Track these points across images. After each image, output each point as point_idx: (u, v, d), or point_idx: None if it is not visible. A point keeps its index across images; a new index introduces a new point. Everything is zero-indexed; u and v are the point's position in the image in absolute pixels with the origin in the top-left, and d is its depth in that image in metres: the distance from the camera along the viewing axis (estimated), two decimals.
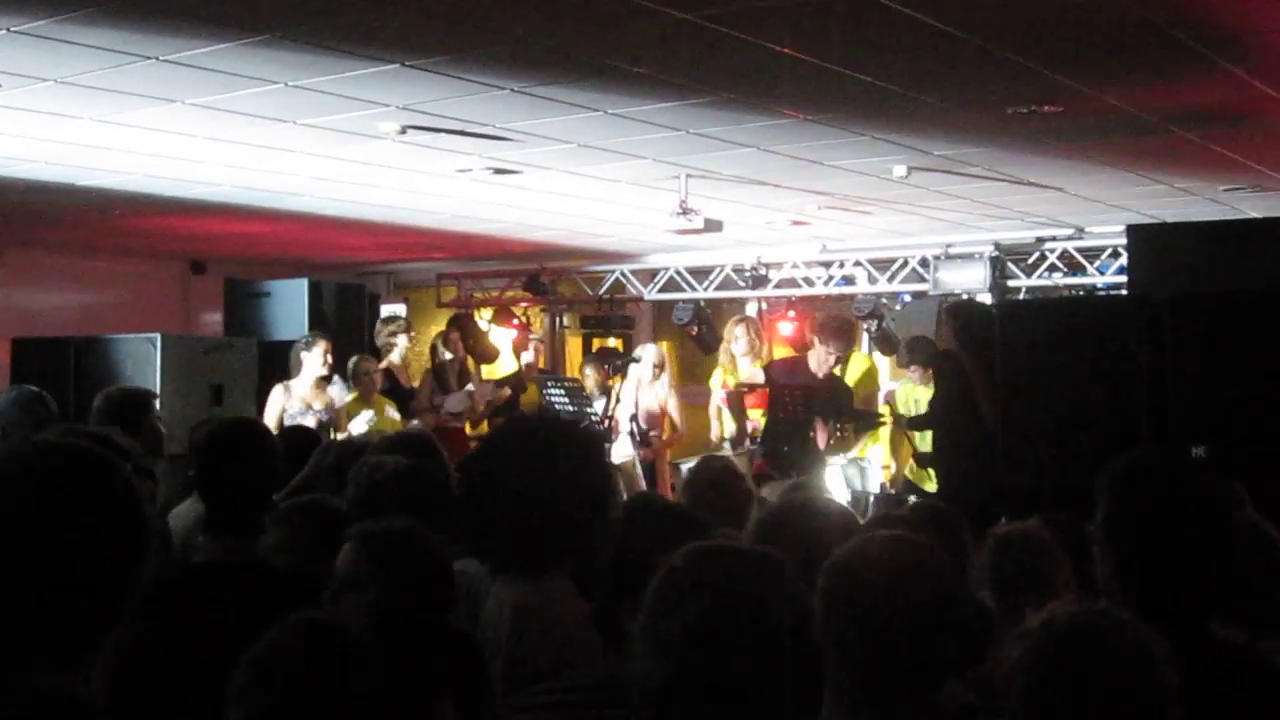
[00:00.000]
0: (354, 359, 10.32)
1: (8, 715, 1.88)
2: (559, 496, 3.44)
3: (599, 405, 10.74)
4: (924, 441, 9.99)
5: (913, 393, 10.65)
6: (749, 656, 2.38)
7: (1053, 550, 4.24)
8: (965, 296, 11.96)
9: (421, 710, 2.81)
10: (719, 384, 10.93)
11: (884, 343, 12.81)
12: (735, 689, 2.38)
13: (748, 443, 9.80)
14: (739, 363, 10.75)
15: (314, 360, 9.83)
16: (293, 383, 9.82)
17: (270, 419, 9.48)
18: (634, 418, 10.65)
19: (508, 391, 12.12)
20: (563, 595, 3.50)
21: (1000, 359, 7.05)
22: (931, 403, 8.85)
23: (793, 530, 3.40)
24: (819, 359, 9.49)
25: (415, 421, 10.41)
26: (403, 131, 8.17)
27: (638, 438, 10.62)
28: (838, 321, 9.87)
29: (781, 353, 11.94)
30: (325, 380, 9.93)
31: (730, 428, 10.42)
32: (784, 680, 2.40)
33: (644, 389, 10.90)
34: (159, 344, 9.85)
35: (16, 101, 7.34)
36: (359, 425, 9.41)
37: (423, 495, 4.27)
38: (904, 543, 2.67)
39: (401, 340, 11.29)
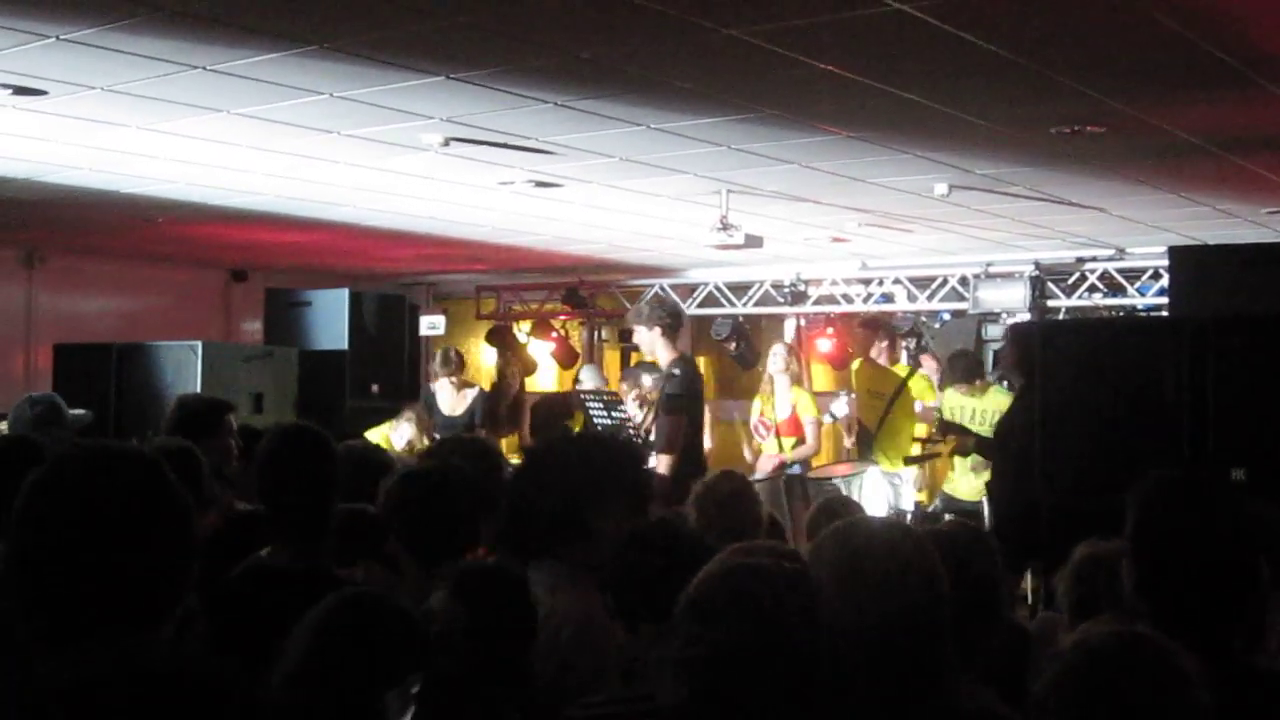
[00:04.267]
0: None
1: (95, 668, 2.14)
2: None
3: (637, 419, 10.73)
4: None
5: (959, 402, 10.12)
6: (772, 677, 2.38)
7: None
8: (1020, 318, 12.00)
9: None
10: (757, 412, 10.86)
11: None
12: (758, 711, 2.38)
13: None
14: (776, 385, 10.67)
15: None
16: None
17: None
18: None
19: None
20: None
21: (1040, 380, 7.02)
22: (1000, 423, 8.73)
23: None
24: (879, 353, 9.66)
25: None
26: (446, 144, 8.20)
27: None
28: (867, 316, 9.98)
29: (819, 370, 11.95)
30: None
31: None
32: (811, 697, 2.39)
33: None
34: (200, 351, 9.91)
35: (63, 108, 7.41)
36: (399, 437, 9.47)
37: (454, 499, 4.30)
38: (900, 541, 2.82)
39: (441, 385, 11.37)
